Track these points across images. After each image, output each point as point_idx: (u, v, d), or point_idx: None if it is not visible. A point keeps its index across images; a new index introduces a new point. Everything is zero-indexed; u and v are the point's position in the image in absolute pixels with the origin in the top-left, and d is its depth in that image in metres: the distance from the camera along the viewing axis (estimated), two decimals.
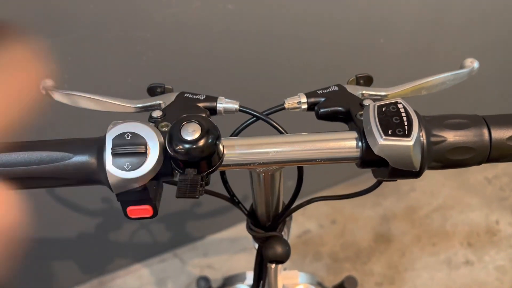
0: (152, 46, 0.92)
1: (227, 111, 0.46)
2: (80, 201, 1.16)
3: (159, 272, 1.42)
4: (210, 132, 0.36)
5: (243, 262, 1.42)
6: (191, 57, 0.97)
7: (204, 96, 0.46)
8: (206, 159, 0.37)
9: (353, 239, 1.50)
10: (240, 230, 1.48)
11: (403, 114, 0.38)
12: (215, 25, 0.95)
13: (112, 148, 0.37)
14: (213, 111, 0.46)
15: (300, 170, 0.48)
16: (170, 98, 0.46)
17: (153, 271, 1.42)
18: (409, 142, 0.36)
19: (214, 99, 0.46)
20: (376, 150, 0.37)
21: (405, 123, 0.37)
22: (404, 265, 1.42)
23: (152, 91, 0.49)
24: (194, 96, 0.46)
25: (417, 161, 0.38)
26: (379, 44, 1.18)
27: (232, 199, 0.53)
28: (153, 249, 1.44)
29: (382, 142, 0.37)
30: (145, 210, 0.41)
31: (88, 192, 1.13)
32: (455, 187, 1.62)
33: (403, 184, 1.62)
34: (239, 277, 1.05)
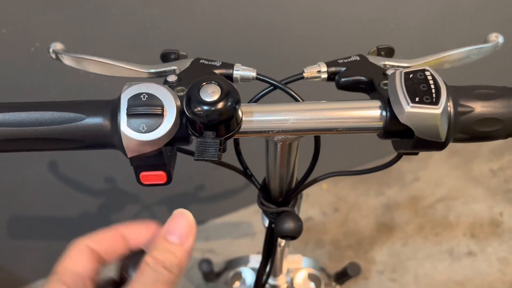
0: (160, 23, 0.90)
1: (243, 79, 0.45)
2: (82, 181, 1.14)
3: None
4: (230, 94, 0.34)
5: (245, 247, 1.41)
6: (202, 32, 0.94)
7: (220, 63, 0.45)
8: (225, 122, 0.35)
9: (356, 227, 1.49)
10: (242, 215, 1.47)
11: (431, 82, 0.36)
12: None
13: (127, 109, 0.35)
14: (229, 78, 0.44)
15: (317, 141, 0.46)
16: (185, 64, 0.45)
17: None
18: (437, 110, 0.35)
19: (231, 66, 0.44)
20: (402, 119, 0.36)
21: (433, 90, 0.36)
22: (407, 254, 1.41)
23: (166, 58, 0.47)
24: (210, 63, 0.45)
25: (443, 131, 0.36)
26: (389, 29, 1.16)
27: (245, 172, 0.51)
28: None
29: (409, 110, 0.35)
30: (159, 176, 0.39)
31: (90, 172, 1.11)
32: (460, 178, 1.61)
33: (407, 173, 1.61)
34: (242, 260, 1.05)
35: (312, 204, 1.54)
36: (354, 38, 1.11)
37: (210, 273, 1.08)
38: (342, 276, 1.09)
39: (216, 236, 1.45)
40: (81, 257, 0.34)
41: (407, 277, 1.36)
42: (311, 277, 1.02)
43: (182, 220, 0.33)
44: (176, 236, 0.33)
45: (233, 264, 1.05)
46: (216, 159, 0.34)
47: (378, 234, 1.46)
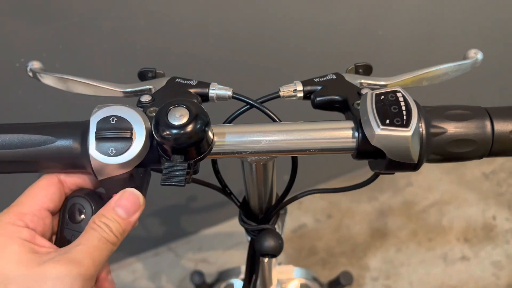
0: (146, 35, 0.90)
1: (219, 98, 0.44)
2: None
3: (153, 265, 1.40)
4: (199, 117, 0.34)
5: (238, 257, 1.41)
6: (185, 46, 0.95)
7: (196, 82, 0.45)
8: (194, 145, 0.35)
9: (349, 233, 1.48)
10: (235, 225, 1.46)
11: (402, 104, 0.36)
12: (209, 11, 0.92)
13: (96, 132, 0.35)
14: (205, 97, 0.44)
15: (294, 160, 0.46)
16: (160, 83, 0.45)
17: (147, 265, 1.40)
18: (407, 132, 0.35)
19: (207, 85, 0.44)
20: (372, 141, 0.36)
21: (404, 112, 0.36)
22: (400, 260, 1.41)
23: (143, 76, 0.47)
24: (185, 82, 0.44)
25: (415, 153, 0.36)
26: (377, 37, 1.16)
27: (224, 190, 0.51)
28: (148, 243, 1.42)
29: (379, 132, 0.35)
30: None
31: None
32: (452, 182, 1.61)
33: (400, 178, 1.61)
34: (234, 272, 1.04)
35: (305, 211, 1.54)
36: (340, 51, 1.11)
37: (202, 285, 1.07)
38: (335, 285, 1.08)
39: (209, 246, 1.45)
40: (50, 187, 0.39)
41: (401, 283, 1.35)
42: (304, 287, 1.01)
43: (132, 198, 0.37)
44: (124, 211, 0.37)
45: (225, 275, 1.04)
46: (182, 184, 0.33)
47: (371, 240, 1.46)
